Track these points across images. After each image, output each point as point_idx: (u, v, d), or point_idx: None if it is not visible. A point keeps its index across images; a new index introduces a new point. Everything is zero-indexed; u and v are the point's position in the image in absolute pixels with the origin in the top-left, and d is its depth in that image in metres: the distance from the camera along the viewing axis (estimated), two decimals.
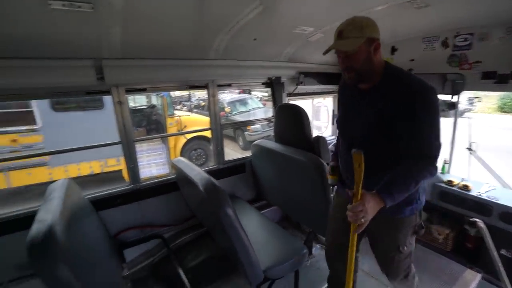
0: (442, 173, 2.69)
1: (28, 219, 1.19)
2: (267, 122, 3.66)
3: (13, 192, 4.43)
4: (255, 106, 8.76)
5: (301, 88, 3.03)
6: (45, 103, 4.43)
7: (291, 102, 2.99)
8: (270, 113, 3.15)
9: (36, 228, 1.07)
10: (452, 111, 2.56)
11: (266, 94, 11.24)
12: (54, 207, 1.26)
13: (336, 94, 3.18)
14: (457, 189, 2.48)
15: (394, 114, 1.23)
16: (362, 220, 1.15)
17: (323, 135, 2.96)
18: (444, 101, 2.55)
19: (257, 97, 10.27)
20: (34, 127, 4.49)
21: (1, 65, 1.55)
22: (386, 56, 2.50)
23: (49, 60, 1.67)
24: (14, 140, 4.38)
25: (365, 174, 1.24)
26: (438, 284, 2.25)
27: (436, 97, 1.22)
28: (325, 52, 1.27)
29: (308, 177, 2.05)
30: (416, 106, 1.19)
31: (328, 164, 1.77)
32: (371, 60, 1.25)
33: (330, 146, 2.40)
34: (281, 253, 1.86)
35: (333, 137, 3.63)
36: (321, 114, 4.53)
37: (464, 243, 2.52)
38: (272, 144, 2.48)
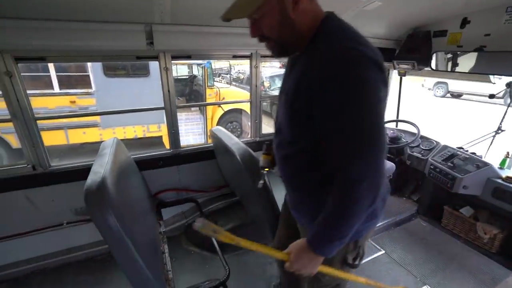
0: (501, 167, 2.39)
1: (86, 170, 1.32)
2: None
3: (71, 147, 4.98)
4: None
5: None
6: (98, 69, 4.72)
7: None
8: None
9: (91, 178, 1.17)
10: None
11: None
12: (106, 162, 1.37)
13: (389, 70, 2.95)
14: None
15: (309, 98, 0.80)
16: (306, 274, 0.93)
17: None
18: None
19: None
20: (90, 90, 4.88)
21: (61, 27, 1.65)
22: (454, 30, 2.13)
23: (103, 24, 1.74)
24: (73, 102, 4.83)
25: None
26: (474, 284, 2.12)
27: (368, 72, 0.73)
28: (224, 19, 0.84)
29: None
30: (327, 86, 0.74)
31: None
32: (288, 20, 0.80)
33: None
34: None
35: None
36: None
37: None
38: None
